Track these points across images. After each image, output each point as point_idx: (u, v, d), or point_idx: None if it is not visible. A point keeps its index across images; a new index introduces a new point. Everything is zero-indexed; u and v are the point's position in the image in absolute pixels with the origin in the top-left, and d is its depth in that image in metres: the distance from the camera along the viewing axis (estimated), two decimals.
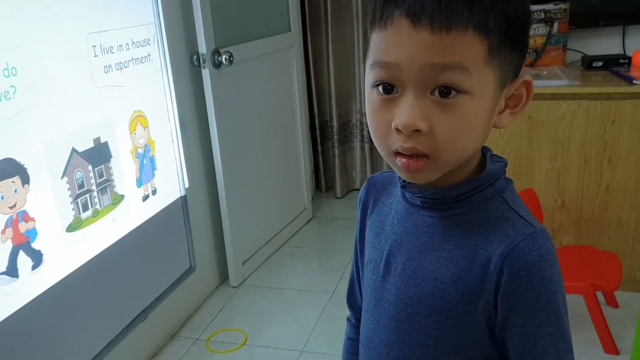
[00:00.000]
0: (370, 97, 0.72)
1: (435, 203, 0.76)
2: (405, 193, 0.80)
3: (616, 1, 2.61)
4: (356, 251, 0.93)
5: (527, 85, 0.73)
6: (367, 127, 2.92)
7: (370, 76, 0.71)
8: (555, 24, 2.53)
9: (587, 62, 2.51)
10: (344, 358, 1.01)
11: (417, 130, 0.67)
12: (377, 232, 0.85)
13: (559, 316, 0.73)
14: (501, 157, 0.79)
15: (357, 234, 0.91)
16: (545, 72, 2.39)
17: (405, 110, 0.67)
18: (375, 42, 0.70)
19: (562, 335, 0.73)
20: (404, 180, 0.79)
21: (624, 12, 2.61)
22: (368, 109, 0.73)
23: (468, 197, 0.75)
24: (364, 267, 0.89)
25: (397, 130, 0.68)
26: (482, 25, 0.65)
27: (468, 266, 0.73)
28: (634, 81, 2.16)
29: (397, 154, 0.70)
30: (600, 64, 2.47)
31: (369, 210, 0.88)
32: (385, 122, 0.69)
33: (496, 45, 0.66)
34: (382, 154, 0.74)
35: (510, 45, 0.68)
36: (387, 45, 0.68)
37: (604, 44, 2.68)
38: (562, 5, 2.53)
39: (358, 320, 0.96)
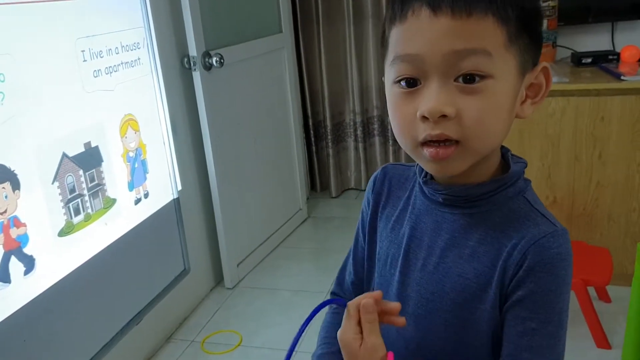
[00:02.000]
0: (392, 93, 0.72)
1: (458, 201, 0.77)
2: (427, 189, 0.80)
3: None
4: (357, 236, 0.92)
5: (546, 72, 0.74)
6: (361, 126, 2.93)
7: (391, 73, 0.72)
8: (545, 21, 2.54)
9: (577, 59, 2.52)
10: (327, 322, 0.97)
11: (444, 116, 0.67)
12: (394, 227, 0.85)
13: (561, 318, 0.73)
14: (520, 157, 0.80)
15: (366, 220, 0.90)
16: None
17: (431, 97, 0.67)
18: (395, 38, 0.70)
19: (560, 339, 0.73)
20: (425, 176, 0.79)
21: (613, 8, 2.62)
22: (391, 104, 0.73)
23: (491, 196, 0.75)
24: (372, 258, 0.88)
25: (424, 118, 0.68)
26: (501, 13, 0.66)
27: (491, 263, 0.74)
28: (623, 77, 2.17)
29: (424, 144, 0.70)
30: (589, 60, 2.49)
31: (382, 202, 0.88)
32: (410, 114, 0.70)
33: (515, 33, 0.68)
34: (407, 149, 0.73)
35: (527, 34, 0.70)
36: (408, 37, 0.69)
37: (593, 40, 2.70)
38: (551, 2, 2.54)
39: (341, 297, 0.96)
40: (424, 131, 0.68)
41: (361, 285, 0.95)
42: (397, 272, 0.82)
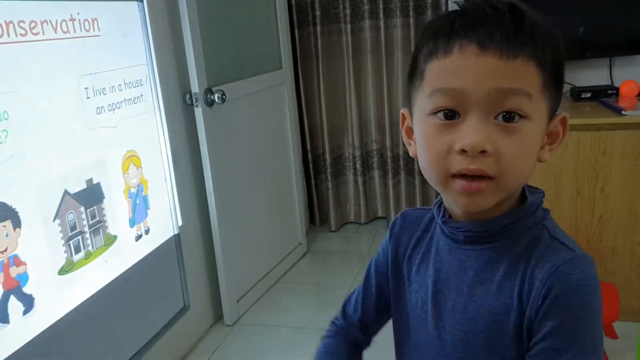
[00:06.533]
0: (425, 124, 0.73)
1: (479, 237, 0.77)
2: (447, 229, 0.80)
3: (601, 33, 2.65)
4: (369, 276, 0.93)
5: (564, 121, 0.77)
6: (360, 160, 2.92)
7: (427, 104, 0.72)
8: None
9: (576, 94, 2.54)
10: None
11: (483, 152, 0.68)
12: (419, 269, 0.85)
13: (594, 345, 0.71)
14: (537, 188, 0.81)
15: (386, 265, 0.90)
16: None
17: (472, 132, 0.68)
18: (436, 71, 0.71)
19: None
20: (444, 215, 0.80)
21: (610, 44, 2.65)
22: (424, 135, 0.74)
23: (511, 228, 0.76)
24: (400, 303, 0.88)
25: (462, 152, 0.69)
26: (540, 58, 0.69)
27: (518, 296, 0.74)
28: (624, 112, 2.19)
29: (456, 177, 0.71)
30: (588, 95, 2.51)
31: (404, 246, 0.88)
32: (445, 145, 0.71)
33: (548, 79, 0.71)
34: (435, 181, 0.74)
35: (556, 83, 0.73)
36: (452, 72, 0.70)
37: (592, 75, 2.72)
38: None
39: (345, 329, 0.98)
40: (460, 164, 0.70)
41: (367, 323, 0.96)
42: (429, 316, 0.82)
